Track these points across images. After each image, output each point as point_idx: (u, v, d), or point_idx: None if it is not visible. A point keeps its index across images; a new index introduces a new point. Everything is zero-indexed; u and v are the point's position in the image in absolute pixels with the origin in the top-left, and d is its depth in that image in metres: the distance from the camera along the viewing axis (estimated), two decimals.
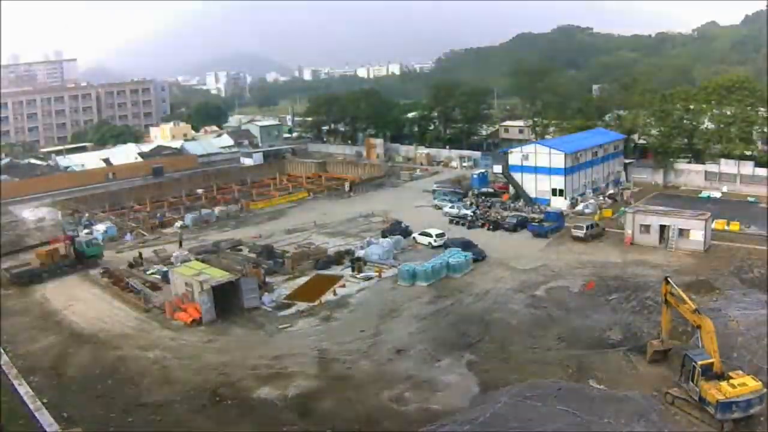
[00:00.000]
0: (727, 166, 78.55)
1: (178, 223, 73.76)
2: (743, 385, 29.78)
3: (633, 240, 58.08)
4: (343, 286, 51.33)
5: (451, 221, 68.72)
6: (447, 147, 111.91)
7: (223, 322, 45.42)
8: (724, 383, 29.83)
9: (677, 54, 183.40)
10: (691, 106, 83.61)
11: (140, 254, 60.17)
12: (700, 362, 30.58)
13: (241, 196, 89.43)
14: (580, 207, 71.29)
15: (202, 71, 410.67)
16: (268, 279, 52.07)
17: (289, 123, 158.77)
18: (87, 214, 77.37)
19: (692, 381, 30.83)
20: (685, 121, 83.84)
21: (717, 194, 75.30)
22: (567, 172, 73.84)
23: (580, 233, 60.46)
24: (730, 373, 30.78)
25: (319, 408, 33.75)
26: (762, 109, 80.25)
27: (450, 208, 72.24)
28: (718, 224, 60.78)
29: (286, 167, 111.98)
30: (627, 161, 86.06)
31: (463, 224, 67.45)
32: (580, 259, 55.01)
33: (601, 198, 75.38)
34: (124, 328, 45.52)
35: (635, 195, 74.40)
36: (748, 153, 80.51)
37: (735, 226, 61.03)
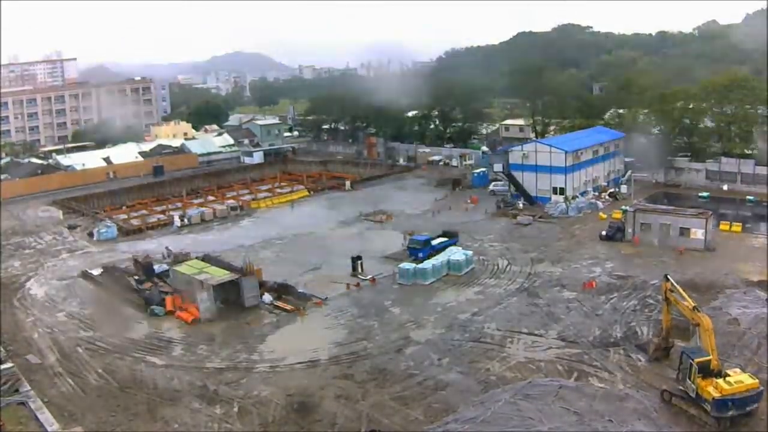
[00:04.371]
0: (728, 165, 78.56)
1: (177, 223, 73.84)
2: (739, 382, 29.85)
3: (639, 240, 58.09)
4: (348, 286, 51.35)
5: None
6: (450, 146, 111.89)
7: (223, 321, 45.50)
8: (720, 380, 29.90)
9: (677, 53, 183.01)
10: (691, 105, 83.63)
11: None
12: (696, 359, 30.65)
13: (241, 195, 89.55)
14: (575, 205, 71.29)
15: (202, 70, 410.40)
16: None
17: (290, 122, 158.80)
18: None
19: (689, 378, 30.91)
20: (685, 120, 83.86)
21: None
22: (568, 170, 73.89)
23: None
24: (728, 371, 30.86)
25: (320, 407, 33.82)
26: (762, 107, 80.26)
27: None
28: (723, 226, 60.76)
29: (287, 166, 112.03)
30: (627, 159, 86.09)
31: None
32: None
33: (602, 196, 75.51)
34: (124, 327, 45.59)
35: (636, 193, 74.48)
36: (748, 152, 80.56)
37: (737, 228, 60.97)
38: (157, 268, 55.36)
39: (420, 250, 54.85)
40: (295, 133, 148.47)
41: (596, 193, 76.35)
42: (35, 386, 36.78)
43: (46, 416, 33.41)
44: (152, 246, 65.22)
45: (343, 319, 45.07)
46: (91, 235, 70.64)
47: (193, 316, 45.59)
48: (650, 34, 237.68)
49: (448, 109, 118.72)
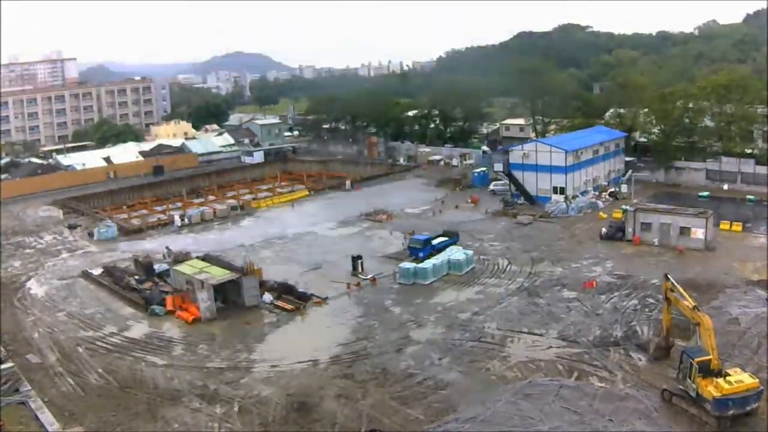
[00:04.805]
0: (728, 165, 78.51)
1: (177, 222, 73.84)
2: (740, 382, 29.84)
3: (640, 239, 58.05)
4: (348, 286, 51.36)
5: None
6: (449, 145, 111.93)
7: (223, 321, 45.51)
8: (720, 380, 29.89)
9: (678, 52, 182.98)
10: (691, 105, 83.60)
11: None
12: (697, 359, 30.63)
13: (241, 195, 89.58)
14: (575, 204, 71.28)
15: (202, 70, 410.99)
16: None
17: (290, 122, 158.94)
18: None
19: (689, 378, 30.91)
20: (685, 120, 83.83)
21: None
22: (568, 170, 73.86)
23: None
24: (728, 371, 30.86)
25: (320, 406, 33.83)
26: (762, 107, 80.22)
27: None
28: (723, 225, 60.70)
29: (287, 166, 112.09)
30: (628, 159, 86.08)
31: None
32: None
33: (602, 195, 75.50)
34: (125, 326, 45.63)
35: (636, 193, 74.43)
36: (748, 151, 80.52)
37: (737, 227, 60.94)
38: (157, 267, 55.41)
39: (420, 249, 54.87)
40: (295, 132, 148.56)
41: (596, 193, 76.32)
42: (35, 386, 36.77)
43: (46, 416, 33.40)
44: (152, 246, 65.26)
45: (344, 318, 45.06)
46: (91, 235, 70.68)
47: (194, 316, 45.59)
48: (651, 34, 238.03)
49: (448, 108, 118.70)
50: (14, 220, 79.34)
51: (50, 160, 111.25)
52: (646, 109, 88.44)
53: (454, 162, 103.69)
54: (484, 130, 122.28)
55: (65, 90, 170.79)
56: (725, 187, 77.20)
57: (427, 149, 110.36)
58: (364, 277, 52.71)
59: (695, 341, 33.28)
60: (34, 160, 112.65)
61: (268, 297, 48.53)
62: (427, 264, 51.64)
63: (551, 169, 74.19)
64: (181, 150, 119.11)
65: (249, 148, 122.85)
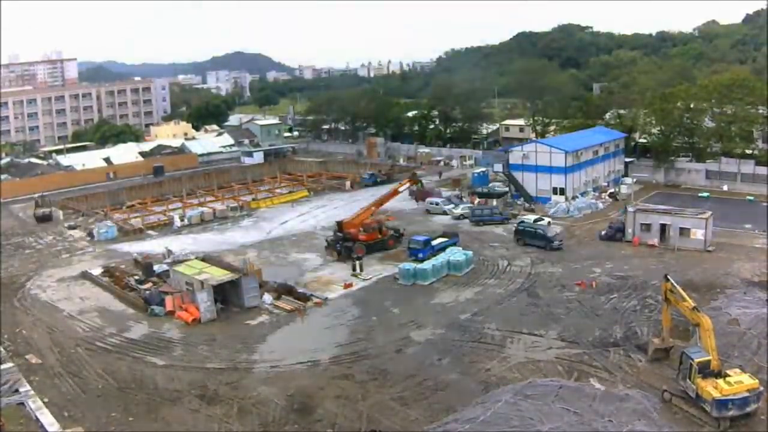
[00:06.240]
0: (728, 165, 78.51)
1: (177, 223, 73.82)
2: (740, 383, 29.85)
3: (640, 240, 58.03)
4: (347, 286, 51.41)
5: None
6: (448, 146, 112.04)
7: (223, 321, 45.51)
8: (720, 381, 29.90)
9: (678, 53, 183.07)
10: (692, 105, 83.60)
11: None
12: (697, 360, 30.64)
13: (241, 195, 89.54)
14: (575, 205, 71.27)
15: (202, 70, 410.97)
16: None
17: (290, 122, 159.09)
18: None
19: (689, 378, 30.92)
20: (685, 120, 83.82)
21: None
22: (567, 170, 73.86)
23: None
24: (728, 371, 30.86)
25: (320, 407, 33.83)
26: (762, 107, 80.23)
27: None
28: None
29: (287, 166, 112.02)
30: (628, 160, 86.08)
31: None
32: None
33: (602, 196, 75.50)
34: (125, 327, 45.61)
35: (636, 193, 74.43)
36: (748, 152, 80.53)
37: None
38: (157, 268, 55.38)
39: (420, 250, 54.85)
40: (295, 133, 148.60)
41: (596, 194, 76.34)
42: (35, 386, 36.70)
43: (45, 416, 33.30)
44: (152, 246, 65.23)
45: (344, 319, 45.08)
46: (90, 235, 70.65)
47: (193, 316, 45.58)
48: (650, 34, 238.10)
49: (447, 109, 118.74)
50: (14, 221, 79.34)
51: (50, 161, 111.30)
52: (647, 110, 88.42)
53: (454, 162, 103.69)
54: (484, 131, 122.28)
55: (65, 90, 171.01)
56: (725, 187, 77.21)
57: (427, 150, 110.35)
58: (363, 277, 52.75)
59: (695, 342, 33.28)
60: (34, 160, 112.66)
61: (268, 298, 48.52)
62: (427, 265, 51.61)
63: (551, 169, 74.18)
64: (181, 150, 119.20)
65: (248, 148, 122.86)
